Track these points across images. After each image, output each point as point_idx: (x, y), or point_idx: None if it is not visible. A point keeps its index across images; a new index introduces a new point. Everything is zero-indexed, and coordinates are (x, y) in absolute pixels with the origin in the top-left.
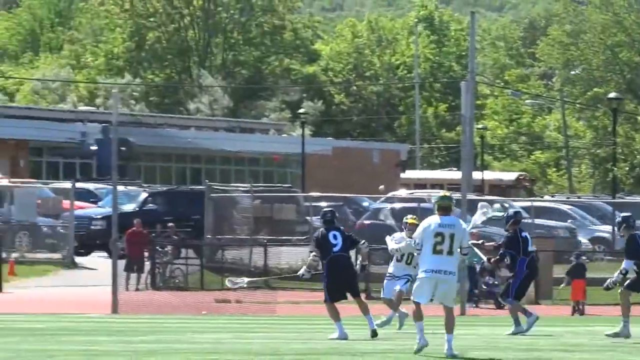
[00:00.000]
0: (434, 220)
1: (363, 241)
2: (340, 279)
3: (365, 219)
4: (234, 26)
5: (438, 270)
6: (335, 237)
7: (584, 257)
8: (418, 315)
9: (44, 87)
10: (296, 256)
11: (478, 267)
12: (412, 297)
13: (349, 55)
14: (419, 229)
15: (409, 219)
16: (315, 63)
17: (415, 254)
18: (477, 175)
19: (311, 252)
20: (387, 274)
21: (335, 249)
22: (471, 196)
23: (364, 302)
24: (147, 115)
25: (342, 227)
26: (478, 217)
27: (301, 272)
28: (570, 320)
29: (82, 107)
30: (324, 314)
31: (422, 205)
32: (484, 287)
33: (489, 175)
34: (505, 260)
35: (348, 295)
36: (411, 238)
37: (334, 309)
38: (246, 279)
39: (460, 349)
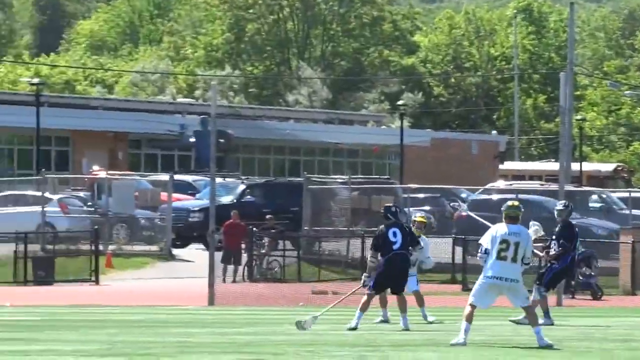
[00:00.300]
0: (501, 228)
1: (421, 246)
2: (391, 276)
3: (463, 211)
4: (333, 17)
5: (500, 277)
6: (395, 234)
7: None
8: (469, 318)
9: (143, 79)
10: None
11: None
12: (470, 300)
13: (447, 47)
14: (487, 235)
15: (418, 216)
16: (414, 54)
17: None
18: (575, 166)
19: (371, 255)
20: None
21: (395, 246)
22: (569, 187)
23: (404, 299)
24: (246, 107)
25: (403, 223)
26: (531, 234)
27: (363, 280)
28: None
29: (180, 99)
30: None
31: (520, 196)
32: (580, 278)
33: (587, 166)
34: (557, 249)
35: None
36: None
37: (371, 300)
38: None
39: (556, 340)
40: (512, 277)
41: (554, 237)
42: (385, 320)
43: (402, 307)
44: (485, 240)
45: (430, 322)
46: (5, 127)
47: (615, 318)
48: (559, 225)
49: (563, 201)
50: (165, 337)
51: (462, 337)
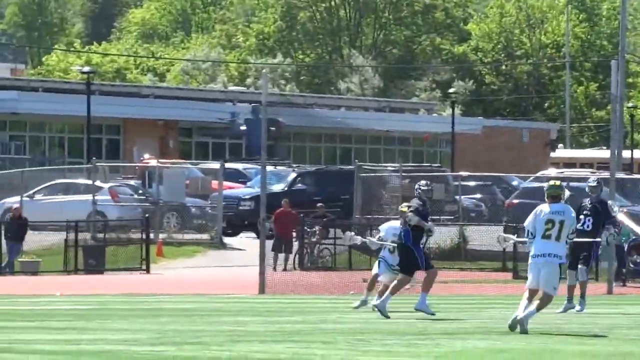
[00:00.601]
0: (544, 208)
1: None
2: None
3: (514, 198)
4: (385, 5)
5: (543, 254)
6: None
7: None
8: (529, 297)
9: (194, 67)
10: (445, 236)
11: (626, 246)
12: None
13: (498, 35)
14: (530, 217)
15: (403, 207)
16: (466, 42)
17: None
18: (626, 154)
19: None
20: (380, 256)
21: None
22: (620, 175)
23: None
24: (297, 95)
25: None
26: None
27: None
28: None
29: (232, 87)
30: (473, 294)
31: (572, 184)
32: (632, 265)
33: (638, 154)
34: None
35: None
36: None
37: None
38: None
39: (607, 328)
40: (553, 252)
41: (586, 212)
42: (365, 302)
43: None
44: (529, 224)
45: (356, 308)
46: (57, 116)
47: None
48: (591, 202)
49: (595, 177)
50: (216, 326)
51: (518, 311)
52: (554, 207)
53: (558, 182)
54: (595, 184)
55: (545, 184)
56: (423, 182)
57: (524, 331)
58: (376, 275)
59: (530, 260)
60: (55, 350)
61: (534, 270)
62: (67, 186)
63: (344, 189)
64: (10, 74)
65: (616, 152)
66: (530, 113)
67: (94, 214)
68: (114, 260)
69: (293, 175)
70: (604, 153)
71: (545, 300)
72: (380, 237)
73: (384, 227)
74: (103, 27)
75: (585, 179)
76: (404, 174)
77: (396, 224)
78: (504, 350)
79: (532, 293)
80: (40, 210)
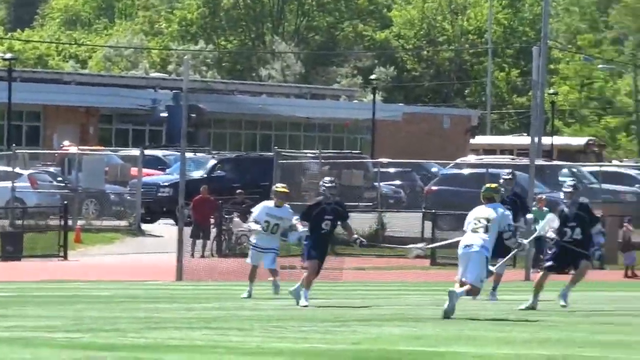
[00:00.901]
0: (477, 209)
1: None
2: None
3: (433, 185)
4: None
5: (467, 245)
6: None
7: None
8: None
9: (117, 54)
10: (363, 222)
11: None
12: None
13: (420, 21)
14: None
15: (279, 187)
16: (388, 29)
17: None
18: (546, 140)
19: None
20: (252, 245)
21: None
22: (540, 161)
23: None
24: (219, 81)
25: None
26: (545, 225)
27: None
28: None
29: (153, 74)
30: (391, 280)
31: (491, 170)
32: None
33: (558, 140)
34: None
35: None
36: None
37: None
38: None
39: (522, 314)
40: (477, 243)
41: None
42: (250, 295)
43: None
44: (465, 224)
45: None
46: None
47: (583, 292)
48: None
49: (508, 170)
50: (133, 313)
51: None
52: (487, 207)
53: (494, 185)
54: (509, 177)
55: (465, 171)
56: (327, 179)
57: (452, 307)
58: (254, 268)
59: (459, 252)
60: None
61: (461, 261)
62: None
63: (263, 175)
64: None
65: (536, 138)
66: (452, 99)
67: (12, 200)
68: (31, 247)
69: (212, 162)
70: (524, 140)
71: (470, 293)
72: (254, 218)
73: (257, 207)
74: (26, 13)
75: (505, 166)
76: (323, 160)
77: (269, 203)
78: (419, 337)
79: (462, 284)
80: None
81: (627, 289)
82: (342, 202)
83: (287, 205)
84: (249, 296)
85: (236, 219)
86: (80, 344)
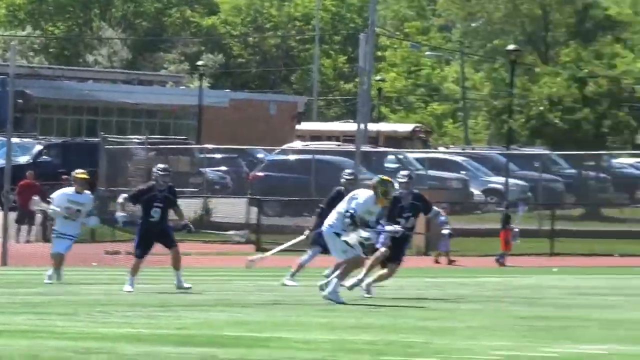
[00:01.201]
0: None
1: None
2: None
3: (259, 171)
4: None
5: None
6: None
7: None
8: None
9: None
10: (188, 208)
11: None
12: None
13: (248, 8)
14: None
15: (79, 173)
16: (215, 15)
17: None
18: (373, 127)
19: None
20: (54, 230)
21: None
22: (366, 148)
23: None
24: (45, 67)
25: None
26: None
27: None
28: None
29: None
30: (216, 266)
31: (317, 157)
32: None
33: (384, 127)
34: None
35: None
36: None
37: None
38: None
39: (348, 300)
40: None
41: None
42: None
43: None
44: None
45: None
46: None
47: (409, 278)
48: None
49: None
50: None
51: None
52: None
53: (386, 177)
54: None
55: (291, 157)
56: (161, 166)
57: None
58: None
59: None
60: None
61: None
62: None
63: (90, 161)
64: None
65: (362, 125)
66: (278, 86)
67: None
68: None
69: (39, 147)
70: (350, 126)
71: (347, 266)
72: (55, 205)
73: (56, 193)
74: None
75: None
76: (149, 146)
77: (69, 190)
78: (244, 322)
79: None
80: None
81: (452, 276)
82: (174, 188)
83: (87, 191)
84: (53, 281)
85: (35, 198)
86: None
